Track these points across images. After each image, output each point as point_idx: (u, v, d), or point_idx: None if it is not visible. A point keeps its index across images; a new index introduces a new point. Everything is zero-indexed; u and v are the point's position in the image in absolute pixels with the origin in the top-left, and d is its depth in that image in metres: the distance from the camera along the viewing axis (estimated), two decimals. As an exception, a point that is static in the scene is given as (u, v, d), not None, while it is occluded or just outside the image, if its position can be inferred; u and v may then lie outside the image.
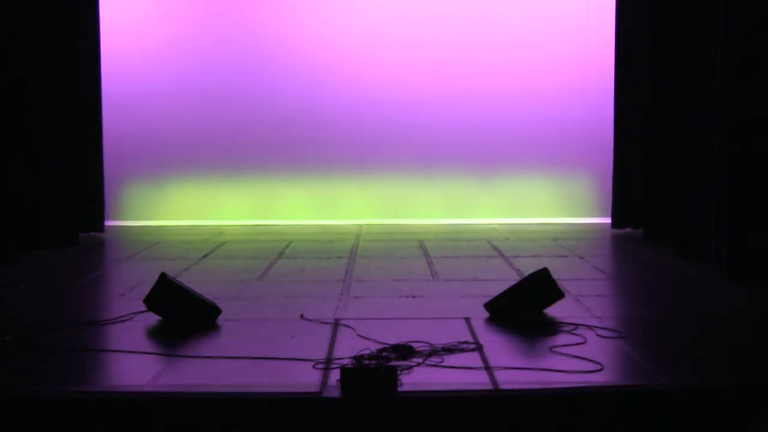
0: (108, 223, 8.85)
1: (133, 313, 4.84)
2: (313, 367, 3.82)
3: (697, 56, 6.82)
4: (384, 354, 3.92)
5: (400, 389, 3.52)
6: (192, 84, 9.41)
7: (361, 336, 4.32)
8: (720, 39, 6.14)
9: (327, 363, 3.87)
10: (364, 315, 4.91)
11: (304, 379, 3.67)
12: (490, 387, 3.59)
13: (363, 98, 9.48)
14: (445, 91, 9.48)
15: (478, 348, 4.13)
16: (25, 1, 7.49)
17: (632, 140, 8.50)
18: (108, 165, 8.74)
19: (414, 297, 5.46)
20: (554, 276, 4.93)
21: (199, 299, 4.80)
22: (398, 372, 3.60)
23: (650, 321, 4.82)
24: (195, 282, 5.41)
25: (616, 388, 3.64)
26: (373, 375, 3.50)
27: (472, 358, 3.97)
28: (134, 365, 4.01)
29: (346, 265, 6.72)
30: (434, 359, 3.92)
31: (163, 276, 4.81)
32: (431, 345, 4.10)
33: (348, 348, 4.07)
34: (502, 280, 5.65)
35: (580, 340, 4.29)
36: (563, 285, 5.13)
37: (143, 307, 4.81)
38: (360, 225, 9.28)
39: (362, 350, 3.95)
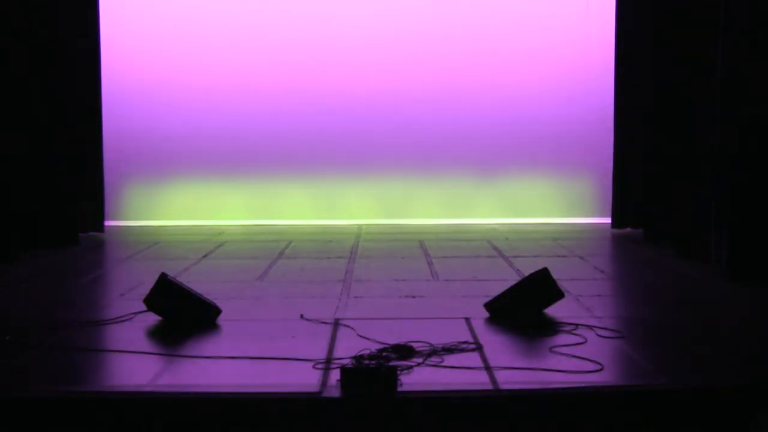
0: (108, 223, 8.84)
1: (133, 313, 4.85)
2: (313, 367, 3.82)
3: (697, 56, 6.82)
4: (384, 354, 3.92)
5: (400, 389, 3.52)
6: (192, 84, 9.40)
7: (361, 336, 4.32)
8: (720, 39, 6.14)
9: (327, 363, 3.87)
10: (364, 315, 4.91)
11: (304, 379, 3.67)
12: (490, 387, 3.59)
13: (363, 98, 9.47)
14: (446, 91, 9.47)
15: (478, 348, 4.13)
16: (25, 1, 7.49)
17: (632, 140, 8.50)
18: (108, 165, 8.74)
19: (414, 297, 5.46)
20: (554, 276, 4.93)
21: (199, 299, 4.80)
22: (398, 372, 3.60)
23: (650, 321, 4.82)
24: (195, 282, 5.40)
25: (616, 388, 3.64)
26: (373, 375, 3.50)
27: (472, 358, 3.97)
28: (134, 365, 4.01)
29: (346, 265, 6.72)
30: (434, 359, 3.92)
31: (163, 276, 4.81)
32: (431, 345, 4.10)
33: (348, 348, 4.07)
34: (502, 280, 5.65)
35: (580, 340, 4.29)
36: (563, 285, 5.13)
37: (143, 307, 4.81)
38: (360, 225, 9.28)
39: (362, 350, 3.95)
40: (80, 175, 8.22)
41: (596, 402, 3.54)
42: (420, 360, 3.90)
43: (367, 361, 3.75)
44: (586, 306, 5.11)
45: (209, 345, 4.37)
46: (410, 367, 3.79)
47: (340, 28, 9.46)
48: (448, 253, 7.34)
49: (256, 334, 4.58)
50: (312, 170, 9.53)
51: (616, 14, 8.70)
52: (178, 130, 9.42)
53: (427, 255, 7.19)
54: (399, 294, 5.56)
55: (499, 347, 4.23)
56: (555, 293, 4.90)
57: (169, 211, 9.53)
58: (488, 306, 4.89)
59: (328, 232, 8.78)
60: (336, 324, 4.66)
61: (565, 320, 4.67)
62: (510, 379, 3.67)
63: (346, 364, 3.65)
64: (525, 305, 4.82)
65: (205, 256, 7.24)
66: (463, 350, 4.08)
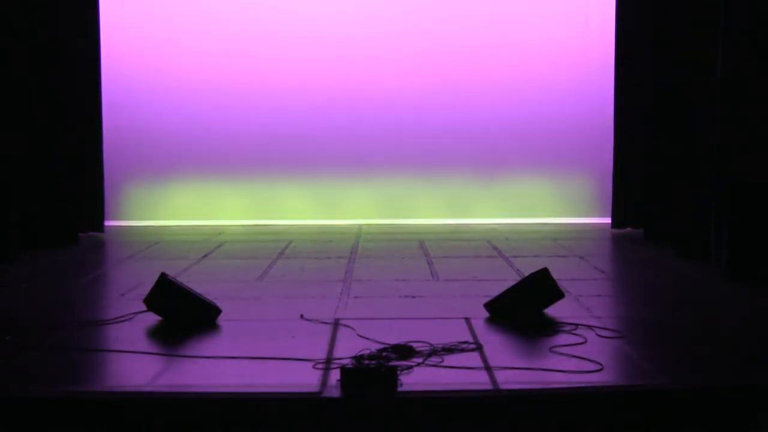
0: (108, 223, 8.84)
1: (133, 313, 4.85)
2: (313, 367, 3.82)
3: (697, 56, 6.82)
4: (384, 354, 3.92)
5: (400, 389, 3.52)
6: (192, 84, 9.40)
7: (361, 336, 4.32)
8: (720, 39, 6.14)
9: (327, 363, 3.87)
10: (364, 315, 4.90)
11: (304, 379, 3.67)
12: (490, 387, 3.59)
13: (363, 98, 9.47)
14: (446, 91, 9.47)
15: (478, 348, 4.13)
16: (25, 1, 7.49)
17: (632, 140, 8.49)
18: (108, 165, 8.73)
19: (414, 297, 5.46)
20: (554, 276, 4.93)
21: (199, 299, 4.80)
22: (398, 372, 3.60)
23: (650, 321, 4.82)
24: (195, 282, 5.40)
25: (616, 388, 3.64)
26: (373, 375, 3.50)
27: (472, 358, 3.97)
28: (134, 365, 4.01)
29: (346, 265, 6.72)
30: (434, 359, 3.92)
31: (163, 276, 4.81)
32: (431, 345, 4.10)
33: (348, 348, 4.07)
34: (502, 280, 5.64)
35: (580, 340, 4.29)
36: (563, 285, 5.13)
37: (143, 307, 4.81)
38: (360, 225, 9.28)
39: (362, 350, 3.95)
40: (80, 175, 8.22)
41: (596, 402, 3.54)
42: (420, 360, 3.89)
43: (367, 361, 3.75)
44: (586, 306, 5.11)
45: (209, 345, 4.37)
46: (410, 367, 3.79)
47: (340, 29, 9.46)
48: (448, 253, 7.34)
49: (256, 334, 4.58)
50: (312, 170, 9.53)
51: (616, 14, 8.70)
52: (178, 130, 9.42)
53: (427, 255, 7.19)
54: (399, 294, 5.56)
55: (499, 347, 4.23)
56: (555, 293, 4.90)
57: (169, 211, 9.53)
58: (488, 306, 4.89)
59: (328, 232, 8.78)
60: (336, 324, 4.66)
61: (565, 320, 4.67)
62: (510, 379, 3.67)
63: (346, 364, 3.65)
64: (525, 305, 4.82)
65: (205, 256, 7.24)
66: (463, 350, 4.08)
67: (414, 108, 9.48)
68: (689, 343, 4.32)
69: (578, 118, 9.40)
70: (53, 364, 4.00)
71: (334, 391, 3.53)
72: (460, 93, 9.48)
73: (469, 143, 9.50)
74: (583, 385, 3.61)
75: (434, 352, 4.02)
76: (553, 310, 4.86)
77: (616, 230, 8.74)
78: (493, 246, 7.67)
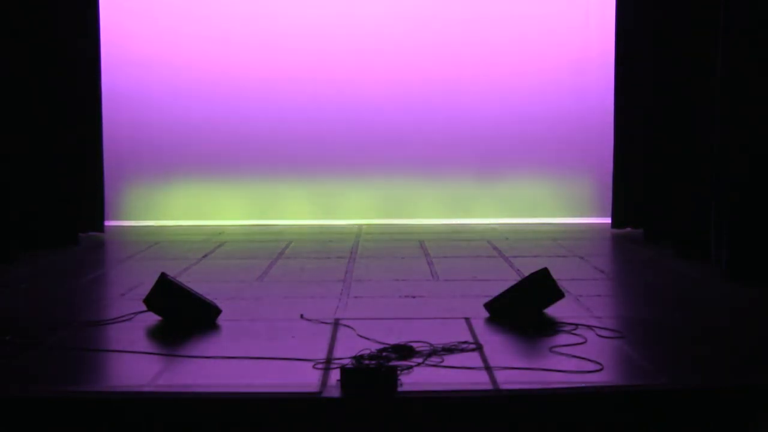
0: (108, 223, 8.84)
1: (133, 313, 4.85)
2: (313, 367, 3.82)
3: (697, 56, 6.82)
4: (384, 354, 3.92)
5: (400, 389, 3.52)
6: (192, 84, 9.40)
7: (361, 336, 4.32)
8: (720, 39, 6.14)
9: (327, 363, 3.87)
10: (364, 315, 4.91)
11: (304, 379, 3.67)
12: (490, 387, 3.59)
13: (363, 98, 9.47)
14: (445, 91, 9.48)
15: (478, 348, 4.13)
16: (25, 1, 7.49)
17: (632, 140, 8.49)
18: (108, 165, 8.73)
19: (414, 297, 5.46)
20: (554, 276, 4.93)
21: (199, 299, 4.80)
22: (398, 372, 3.60)
23: (650, 321, 4.82)
24: (195, 282, 5.41)
25: (616, 388, 3.64)
26: (373, 375, 3.50)
27: (472, 358, 3.97)
28: (134, 365, 4.01)
29: (346, 265, 6.72)
30: (434, 359, 3.92)
31: (163, 276, 4.81)
32: (431, 345, 4.10)
33: (348, 348, 4.07)
34: (502, 280, 5.64)
35: (580, 340, 4.29)
36: (563, 285, 5.13)
37: (143, 307, 4.81)
38: (360, 225, 9.28)
39: (362, 350, 3.95)
40: (80, 175, 8.22)
41: (596, 402, 3.54)
42: (420, 360, 3.89)
43: (367, 361, 3.75)
44: (586, 306, 5.11)
45: (209, 345, 4.37)
46: (410, 367, 3.79)
47: (340, 29, 9.45)
48: (448, 253, 7.34)
49: (256, 334, 4.58)
50: (312, 170, 9.53)
51: (616, 14, 8.70)
52: (178, 130, 9.42)
53: (427, 255, 7.19)
54: (399, 294, 5.56)
55: (499, 347, 4.23)
56: (555, 293, 4.90)
57: (169, 211, 9.53)
58: (488, 306, 4.89)
59: (328, 232, 8.78)
60: (336, 324, 4.66)
61: (565, 320, 4.67)
62: (510, 379, 3.67)
63: (346, 364, 3.65)
64: (525, 305, 4.82)
65: (205, 256, 7.24)
66: (463, 350, 4.08)
67: (413, 108, 9.48)
68: (689, 343, 4.32)
69: (578, 118, 9.40)
70: (53, 364, 4.00)
71: (334, 391, 3.53)
72: (460, 93, 9.48)
73: (469, 143, 9.50)
74: (583, 385, 3.61)
75: (434, 352, 4.02)
76: (553, 310, 4.86)
77: (616, 230, 8.73)
78: (493, 246, 7.67)
